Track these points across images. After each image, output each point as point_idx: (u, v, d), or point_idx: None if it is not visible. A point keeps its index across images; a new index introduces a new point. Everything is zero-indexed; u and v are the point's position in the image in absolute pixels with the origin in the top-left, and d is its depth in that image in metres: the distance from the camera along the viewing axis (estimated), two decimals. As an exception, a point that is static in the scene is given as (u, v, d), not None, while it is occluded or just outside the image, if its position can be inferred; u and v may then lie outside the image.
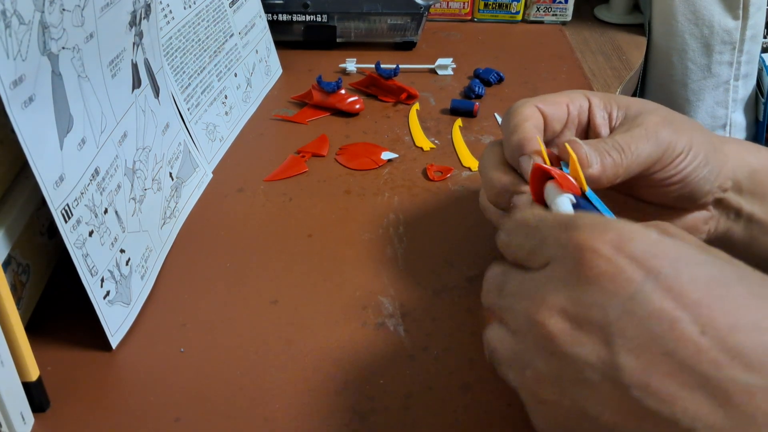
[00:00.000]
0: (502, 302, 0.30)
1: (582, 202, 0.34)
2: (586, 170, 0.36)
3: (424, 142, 0.60)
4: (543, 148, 0.38)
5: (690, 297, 0.24)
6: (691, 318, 0.24)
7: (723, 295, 0.25)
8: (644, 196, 0.41)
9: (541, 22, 0.86)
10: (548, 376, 0.27)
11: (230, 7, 0.64)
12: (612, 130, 0.41)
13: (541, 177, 0.35)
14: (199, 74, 0.58)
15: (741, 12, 0.78)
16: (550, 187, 0.35)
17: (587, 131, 0.42)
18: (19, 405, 0.35)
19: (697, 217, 0.42)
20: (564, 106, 0.41)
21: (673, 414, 0.24)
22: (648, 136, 0.38)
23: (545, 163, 0.37)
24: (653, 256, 0.26)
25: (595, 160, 0.36)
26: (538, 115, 0.40)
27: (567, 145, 0.37)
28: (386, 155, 0.58)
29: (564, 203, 0.34)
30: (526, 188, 0.38)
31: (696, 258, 0.26)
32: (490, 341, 0.31)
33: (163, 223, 0.48)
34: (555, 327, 0.26)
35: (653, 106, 0.41)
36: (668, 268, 0.25)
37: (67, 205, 0.37)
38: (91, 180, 0.39)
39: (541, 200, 0.36)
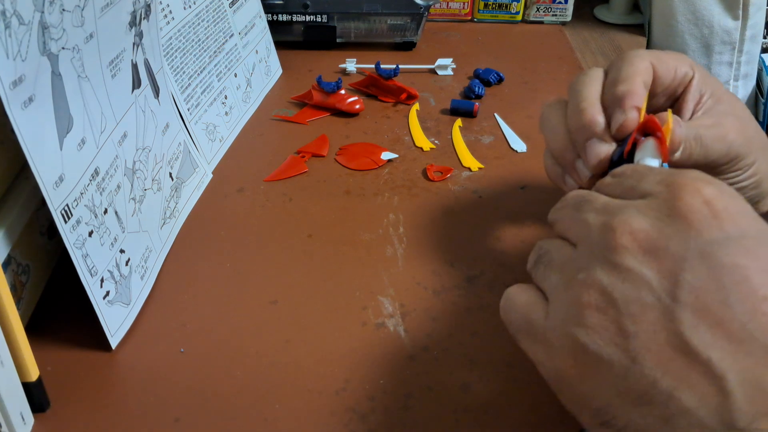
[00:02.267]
0: (577, 215, 0.30)
1: None
2: (673, 147, 0.36)
3: (424, 142, 0.60)
4: (644, 108, 0.37)
5: (765, 265, 0.25)
6: (760, 281, 0.25)
7: None
8: None
9: (541, 23, 0.86)
10: (601, 283, 0.27)
11: (230, 8, 0.64)
12: (694, 112, 0.40)
13: (641, 131, 0.35)
14: (199, 74, 0.58)
15: (741, 12, 0.78)
16: (649, 145, 0.35)
17: (674, 101, 0.41)
18: (19, 405, 0.35)
19: None
20: (673, 69, 0.40)
21: (709, 358, 0.24)
22: (723, 141, 0.38)
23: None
24: (745, 217, 0.27)
25: (682, 141, 0.36)
26: (650, 72, 0.39)
27: (669, 117, 0.36)
28: (386, 155, 0.58)
29: (653, 165, 0.34)
30: (608, 138, 0.37)
31: None
32: (544, 245, 0.31)
33: (163, 224, 0.48)
34: (629, 242, 0.27)
35: (739, 112, 0.40)
36: (755, 231, 0.26)
37: (67, 205, 0.37)
38: (90, 180, 0.39)
39: (628, 149, 0.36)
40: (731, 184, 0.39)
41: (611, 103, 0.38)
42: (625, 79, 0.38)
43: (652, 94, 0.40)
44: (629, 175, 0.31)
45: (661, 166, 0.34)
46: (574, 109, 0.39)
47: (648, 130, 0.35)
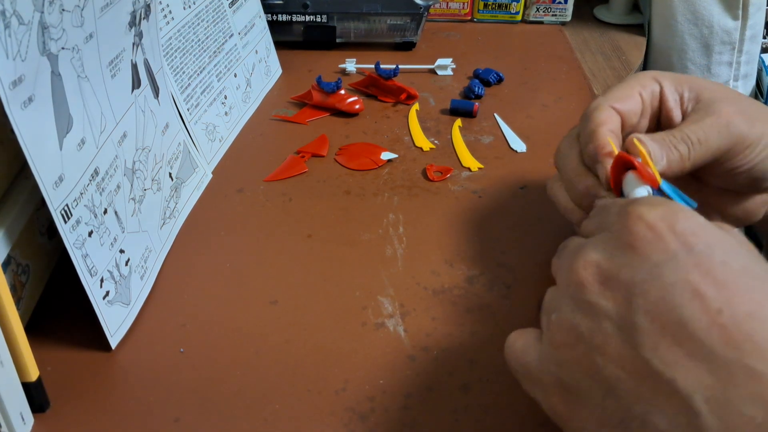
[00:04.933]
0: (558, 261, 0.33)
1: (657, 195, 0.35)
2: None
3: (423, 142, 0.60)
4: (616, 150, 0.38)
5: (717, 277, 0.26)
6: (712, 295, 0.25)
7: (749, 285, 0.26)
8: (708, 180, 0.41)
9: (541, 23, 0.86)
10: (570, 321, 0.28)
11: (230, 8, 0.64)
12: (684, 113, 0.41)
13: (622, 167, 0.36)
14: (198, 74, 0.58)
15: (740, 12, 0.78)
16: (630, 178, 0.36)
17: (659, 115, 0.42)
18: (18, 405, 0.35)
19: (757, 200, 0.42)
20: (637, 96, 0.41)
21: (673, 379, 0.25)
22: (720, 128, 0.38)
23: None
24: (693, 233, 0.27)
25: (661, 156, 0.37)
26: (614, 117, 0.40)
27: (636, 142, 0.37)
28: (386, 155, 0.58)
29: (641, 194, 0.34)
30: (606, 193, 0.39)
31: (734, 248, 0.27)
32: (546, 293, 0.33)
33: (163, 224, 0.48)
34: (586, 277, 0.28)
35: (727, 93, 0.40)
36: (703, 246, 0.27)
37: (67, 205, 0.37)
38: (90, 180, 0.39)
39: (619, 191, 0.37)
40: (752, 166, 0.39)
41: (589, 162, 0.39)
42: (590, 136, 0.39)
43: (633, 127, 0.41)
44: (597, 213, 0.33)
45: (652, 191, 0.35)
46: (567, 183, 0.41)
47: (626, 165, 0.36)
